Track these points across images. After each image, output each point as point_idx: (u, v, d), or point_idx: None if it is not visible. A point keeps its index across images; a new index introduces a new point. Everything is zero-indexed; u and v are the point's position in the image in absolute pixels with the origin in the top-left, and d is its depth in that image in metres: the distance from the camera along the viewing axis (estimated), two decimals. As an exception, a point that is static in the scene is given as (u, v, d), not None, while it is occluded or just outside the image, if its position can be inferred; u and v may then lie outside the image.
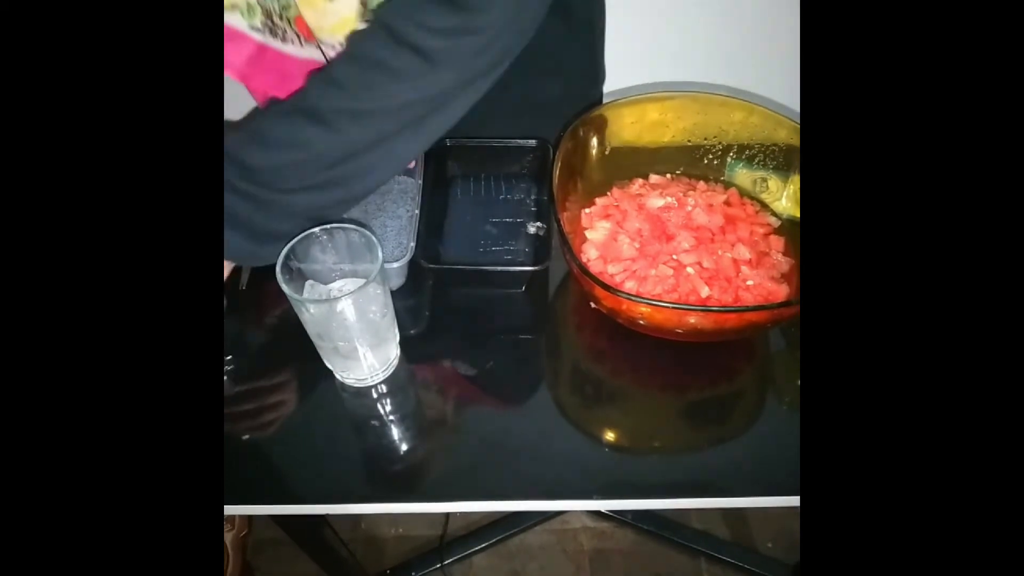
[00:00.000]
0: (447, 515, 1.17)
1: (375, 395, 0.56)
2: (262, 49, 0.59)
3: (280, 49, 0.57)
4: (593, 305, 0.57)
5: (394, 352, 0.56)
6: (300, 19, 0.58)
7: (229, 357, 0.58)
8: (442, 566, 1.12)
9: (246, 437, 0.54)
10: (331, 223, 0.51)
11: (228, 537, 1.05)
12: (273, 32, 0.59)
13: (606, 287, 0.50)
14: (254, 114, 0.53)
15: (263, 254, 0.51)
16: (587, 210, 0.63)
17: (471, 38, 0.48)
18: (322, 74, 0.50)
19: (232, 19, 0.56)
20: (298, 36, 0.60)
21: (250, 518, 1.13)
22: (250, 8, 0.58)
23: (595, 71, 0.76)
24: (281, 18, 0.58)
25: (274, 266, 0.49)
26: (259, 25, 0.58)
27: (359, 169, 0.51)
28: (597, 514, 1.21)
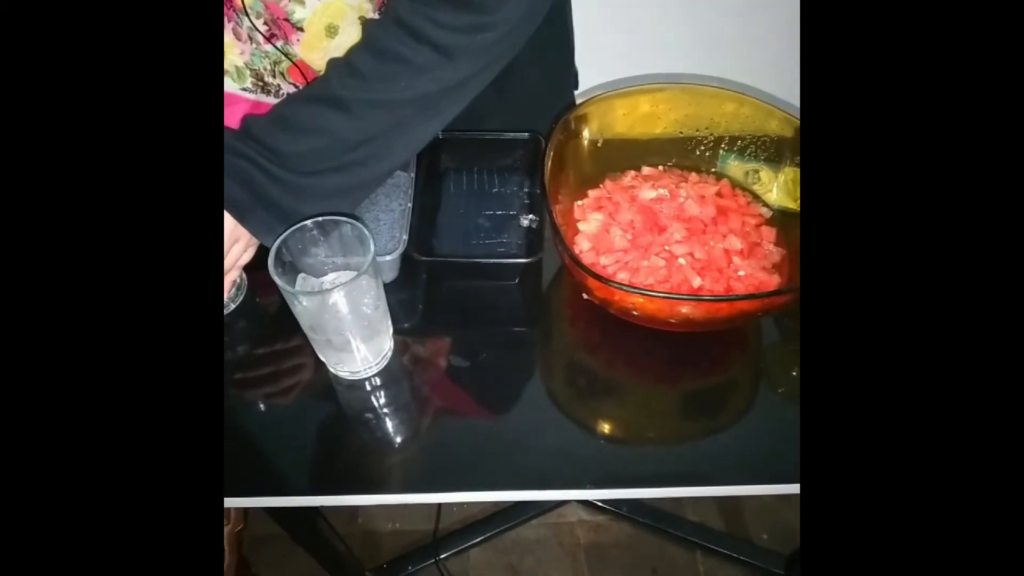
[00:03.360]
0: (439, 507, 1.17)
1: (369, 388, 0.56)
2: (256, 106, 0.61)
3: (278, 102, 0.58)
4: (586, 296, 0.57)
5: (387, 345, 0.56)
6: (294, 68, 0.59)
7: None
8: (438, 560, 1.12)
9: (250, 408, 0.55)
10: (333, 215, 0.51)
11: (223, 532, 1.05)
12: (265, 91, 0.61)
13: (598, 278, 0.50)
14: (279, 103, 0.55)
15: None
16: (579, 202, 0.63)
17: (485, 34, 0.50)
18: (344, 64, 0.52)
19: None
20: (294, 86, 0.61)
21: (246, 514, 1.12)
22: (239, 72, 0.60)
23: (567, 52, 0.76)
24: (274, 75, 0.60)
25: (266, 260, 0.49)
26: (250, 87, 0.60)
27: (379, 151, 0.53)
28: (593, 507, 1.22)
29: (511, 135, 0.67)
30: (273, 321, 0.60)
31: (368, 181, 0.56)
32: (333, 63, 0.53)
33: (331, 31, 0.56)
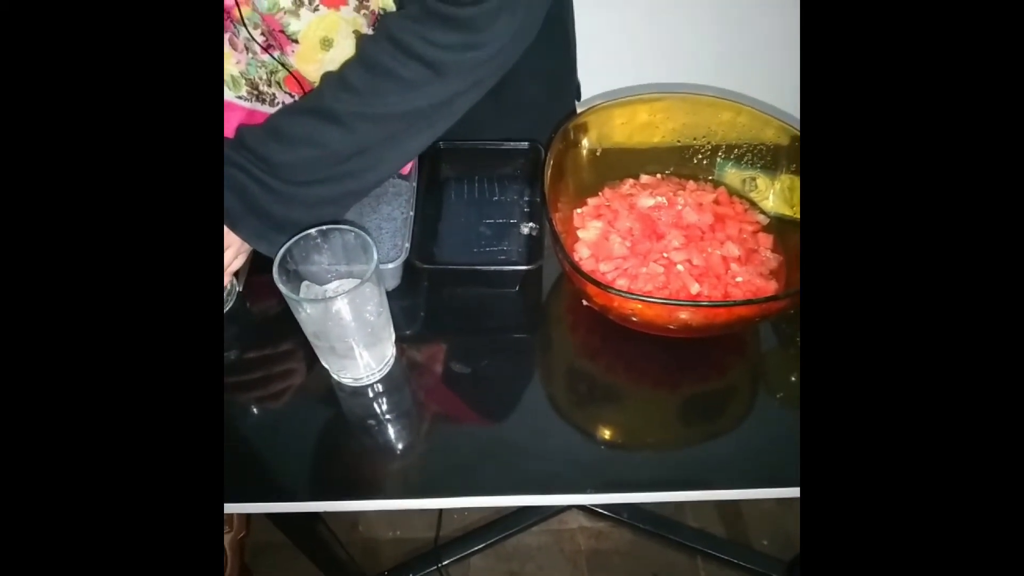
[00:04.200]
0: (440, 515, 1.17)
1: (371, 394, 0.56)
2: (252, 114, 0.62)
3: (270, 112, 0.60)
4: (585, 303, 0.58)
5: (390, 351, 0.57)
6: (290, 78, 0.60)
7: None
8: (439, 567, 1.12)
9: (253, 414, 0.55)
10: (328, 224, 0.52)
11: (226, 539, 1.05)
12: (260, 99, 0.62)
13: (598, 284, 0.51)
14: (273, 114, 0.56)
15: (280, 240, 0.53)
16: (579, 210, 0.64)
17: (475, 52, 0.51)
18: (337, 78, 0.53)
19: None
20: (290, 95, 0.61)
21: (248, 520, 1.13)
22: (235, 81, 0.60)
23: (569, 64, 0.77)
24: (270, 84, 0.61)
25: (271, 268, 0.49)
26: (245, 95, 0.61)
27: (370, 163, 0.54)
28: (594, 514, 1.22)
29: (511, 144, 0.68)
30: (272, 328, 0.60)
31: (358, 191, 0.57)
32: (327, 77, 0.54)
33: (326, 44, 0.57)
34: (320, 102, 0.52)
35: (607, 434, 0.55)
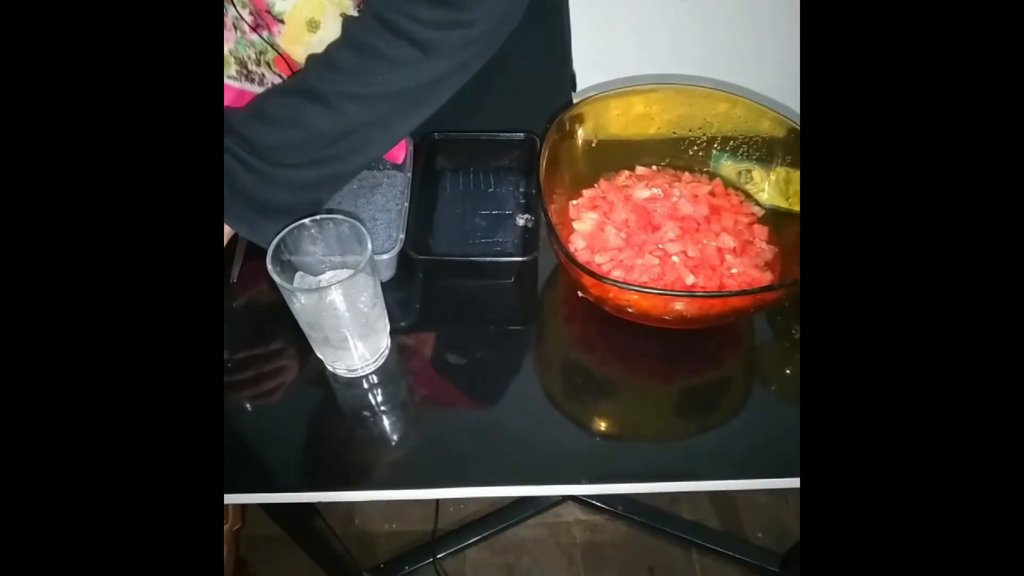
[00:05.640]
0: (437, 507, 1.18)
1: (366, 385, 0.56)
2: (241, 94, 0.61)
3: (259, 93, 0.59)
4: (581, 294, 0.58)
5: (384, 342, 0.57)
6: (279, 60, 0.59)
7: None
8: (435, 560, 1.12)
9: (248, 406, 0.55)
10: (322, 214, 0.52)
11: (221, 532, 1.05)
12: (250, 79, 0.61)
13: (593, 275, 0.51)
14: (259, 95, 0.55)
15: (264, 225, 0.53)
16: (574, 201, 0.64)
17: (462, 31, 0.50)
18: (323, 58, 0.52)
19: None
20: (280, 76, 0.61)
21: (243, 513, 1.13)
22: (224, 60, 0.59)
23: (564, 54, 0.76)
24: (259, 64, 0.60)
25: (265, 258, 0.49)
26: (234, 74, 0.60)
27: (357, 145, 0.54)
28: (589, 507, 1.22)
29: (507, 135, 0.68)
30: (266, 319, 0.60)
31: (344, 174, 0.56)
32: (312, 57, 0.53)
33: (312, 25, 0.56)
34: (305, 82, 0.52)
35: (602, 426, 0.55)
